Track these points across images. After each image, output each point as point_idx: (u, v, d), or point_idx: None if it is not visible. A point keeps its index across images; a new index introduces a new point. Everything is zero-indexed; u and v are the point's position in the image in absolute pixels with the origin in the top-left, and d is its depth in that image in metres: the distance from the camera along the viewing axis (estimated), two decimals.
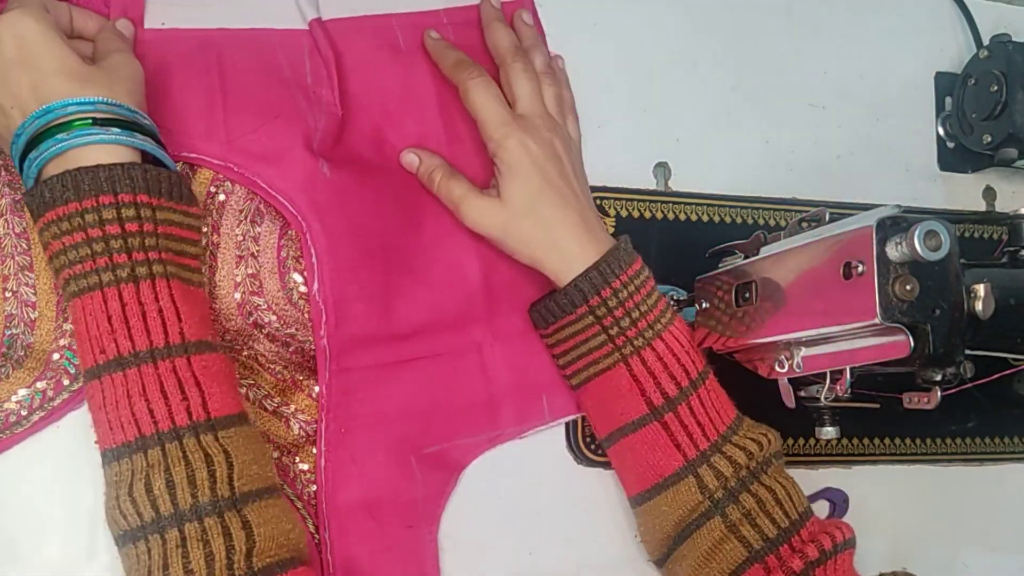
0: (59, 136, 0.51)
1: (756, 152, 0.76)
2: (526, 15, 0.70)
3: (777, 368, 0.61)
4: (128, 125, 0.53)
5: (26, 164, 0.52)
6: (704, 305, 0.66)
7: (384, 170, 0.64)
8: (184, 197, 0.55)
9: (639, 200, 0.71)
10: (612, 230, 0.69)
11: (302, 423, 0.61)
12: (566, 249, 0.61)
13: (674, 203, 0.72)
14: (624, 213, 0.70)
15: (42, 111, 0.51)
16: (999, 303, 0.55)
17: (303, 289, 0.61)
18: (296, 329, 0.61)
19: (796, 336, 0.58)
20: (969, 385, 0.58)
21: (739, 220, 0.73)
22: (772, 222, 0.74)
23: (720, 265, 0.67)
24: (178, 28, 0.63)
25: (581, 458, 0.66)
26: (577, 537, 0.65)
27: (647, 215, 0.71)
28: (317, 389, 0.61)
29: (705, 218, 0.72)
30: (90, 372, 0.51)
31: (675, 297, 0.69)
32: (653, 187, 0.72)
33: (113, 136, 0.52)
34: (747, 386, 0.62)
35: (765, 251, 0.62)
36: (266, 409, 0.61)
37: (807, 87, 0.78)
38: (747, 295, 0.62)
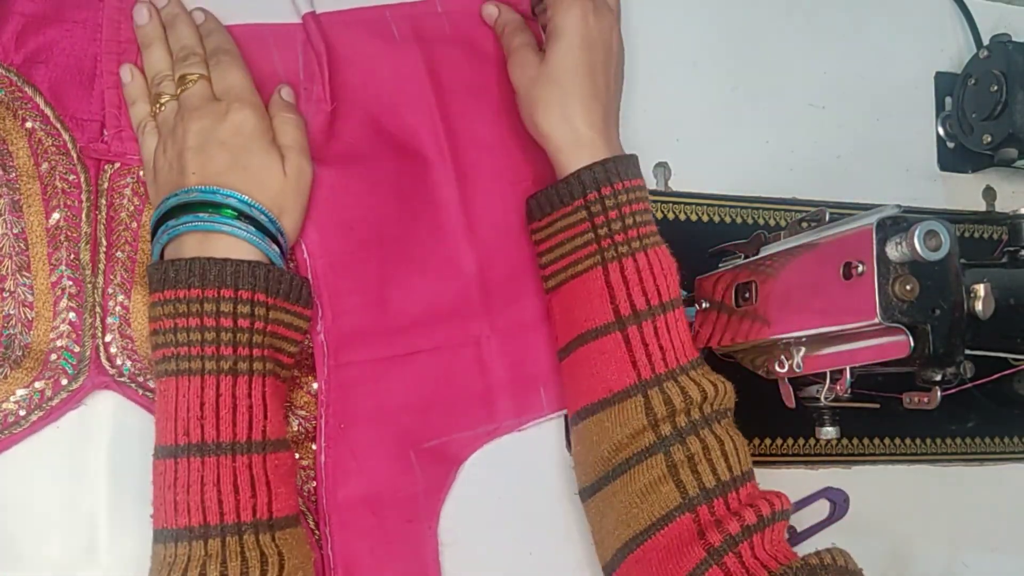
0: (202, 215, 0.53)
1: (756, 152, 0.76)
2: None
3: (777, 368, 0.61)
4: (265, 231, 0.55)
5: (161, 228, 0.54)
6: (704, 305, 0.66)
7: (379, 161, 0.64)
8: (301, 300, 0.57)
9: None
10: None
11: (301, 419, 0.61)
12: (578, 131, 0.59)
13: (674, 203, 0.72)
14: None
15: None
16: (999, 303, 0.55)
17: None
18: None
19: (796, 336, 0.58)
20: (969, 385, 0.58)
21: (739, 220, 0.73)
22: (772, 222, 0.74)
23: (720, 265, 0.67)
24: None
25: None
26: (577, 536, 0.65)
27: None
28: (316, 386, 0.61)
29: (705, 218, 0.72)
30: (167, 450, 0.52)
31: None
32: (653, 187, 0.72)
33: (247, 234, 0.54)
34: (747, 386, 0.62)
35: (765, 251, 0.62)
36: None
37: (807, 87, 0.78)
38: (747, 295, 0.62)
